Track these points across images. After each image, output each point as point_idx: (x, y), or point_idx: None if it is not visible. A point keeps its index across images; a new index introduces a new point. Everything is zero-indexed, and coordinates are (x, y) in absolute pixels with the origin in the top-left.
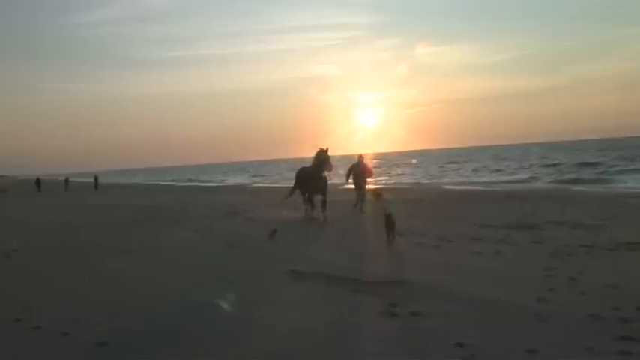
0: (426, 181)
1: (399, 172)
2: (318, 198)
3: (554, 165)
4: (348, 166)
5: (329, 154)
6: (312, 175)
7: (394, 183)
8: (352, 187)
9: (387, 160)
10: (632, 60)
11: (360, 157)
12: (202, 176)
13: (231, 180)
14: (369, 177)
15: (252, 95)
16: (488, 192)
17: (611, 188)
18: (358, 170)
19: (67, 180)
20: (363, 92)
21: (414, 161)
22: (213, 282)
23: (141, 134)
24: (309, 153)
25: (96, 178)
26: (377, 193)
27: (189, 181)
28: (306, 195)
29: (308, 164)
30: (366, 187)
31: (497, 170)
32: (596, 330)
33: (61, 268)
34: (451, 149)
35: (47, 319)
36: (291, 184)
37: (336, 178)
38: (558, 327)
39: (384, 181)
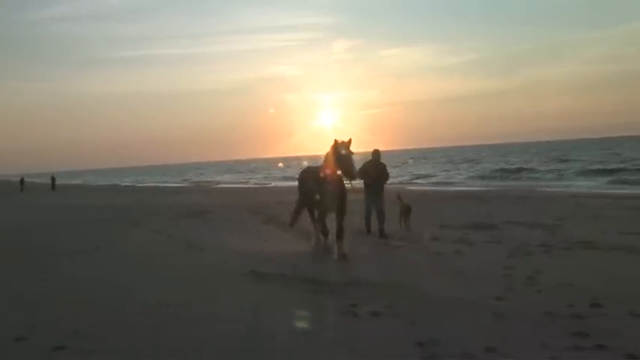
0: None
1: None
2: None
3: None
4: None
5: (352, 149)
6: (319, 177)
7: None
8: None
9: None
10: (587, 64)
11: (376, 152)
12: (160, 177)
13: (190, 180)
14: (386, 182)
15: (213, 95)
16: (445, 192)
17: (566, 188)
18: (375, 172)
19: (22, 180)
20: (323, 93)
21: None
22: (172, 283)
23: (97, 134)
24: (270, 153)
25: (53, 179)
26: (407, 206)
27: (140, 181)
28: (314, 211)
29: (277, 163)
30: (384, 196)
31: (445, 171)
32: (552, 327)
33: (16, 270)
34: (408, 150)
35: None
36: (250, 185)
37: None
38: (516, 325)
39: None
